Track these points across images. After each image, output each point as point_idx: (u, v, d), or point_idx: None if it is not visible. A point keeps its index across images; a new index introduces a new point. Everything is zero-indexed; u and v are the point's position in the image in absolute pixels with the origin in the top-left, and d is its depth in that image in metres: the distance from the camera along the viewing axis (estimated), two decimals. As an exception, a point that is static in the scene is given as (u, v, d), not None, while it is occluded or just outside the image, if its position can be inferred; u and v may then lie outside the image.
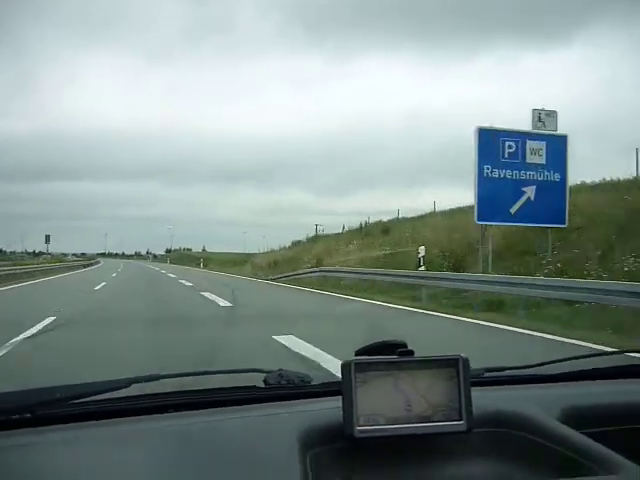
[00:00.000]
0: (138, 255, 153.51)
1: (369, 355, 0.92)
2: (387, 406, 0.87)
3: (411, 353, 0.90)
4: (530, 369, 1.19)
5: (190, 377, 1.15)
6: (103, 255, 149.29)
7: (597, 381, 1.17)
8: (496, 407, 0.97)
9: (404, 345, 0.92)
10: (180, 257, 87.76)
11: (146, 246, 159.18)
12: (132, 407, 1.00)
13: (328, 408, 0.94)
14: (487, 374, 1.14)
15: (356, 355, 0.92)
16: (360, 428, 0.85)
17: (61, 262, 43.91)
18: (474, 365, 0.96)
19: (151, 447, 0.87)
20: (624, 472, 0.78)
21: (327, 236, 33.93)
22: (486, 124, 13.31)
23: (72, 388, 0.99)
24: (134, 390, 1.01)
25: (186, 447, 0.85)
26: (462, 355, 0.90)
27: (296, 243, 38.13)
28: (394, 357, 0.89)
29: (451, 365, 0.89)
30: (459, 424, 0.88)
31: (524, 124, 13.60)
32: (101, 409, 0.98)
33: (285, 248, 38.01)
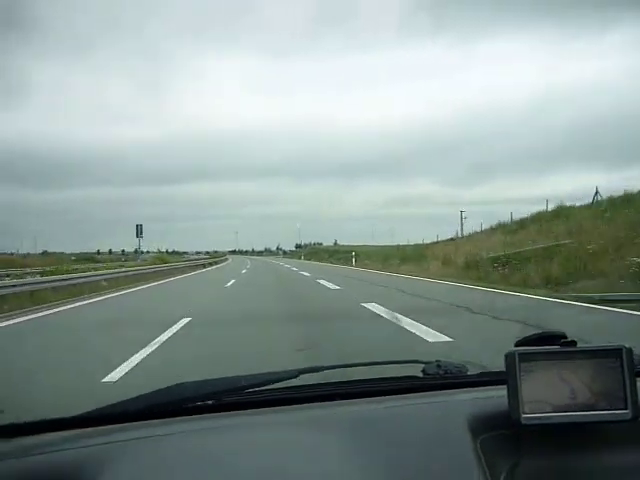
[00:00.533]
0: (268, 251, 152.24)
1: (529, 345, 0.93)
2: (551, 394, 0.88)
3: (574, 343, 0.91)
4: None
5: (351, 368, 1.22)
6: (234, 252, 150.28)
7: None
8: None
9: (564, 336, 0.93)
10: (313, 252, 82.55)
11: (274, 242, 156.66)
12: (302, 395, 1.10)
13: (490, 396, 0.99)
14: None
15: (516, 346, 0.93)
16: (526, 415, 0.87)
17: (165, 263, 33.79)
18: None
19: (324, 431, 0.93)
20: None
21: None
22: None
23: (249, 378, 1.08)
24: (302, 380, 1.09)
25: (359, 432, 0.91)
26: (625, 345, 0.90)
27: (501, 226, 26.70)
28: (557, 347, 0.91)
29: (615, 355, 0.89)
30: (624, 413, 0.87)
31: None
32: (275, 397, 1.08)
33: (482, 232, 26.91)
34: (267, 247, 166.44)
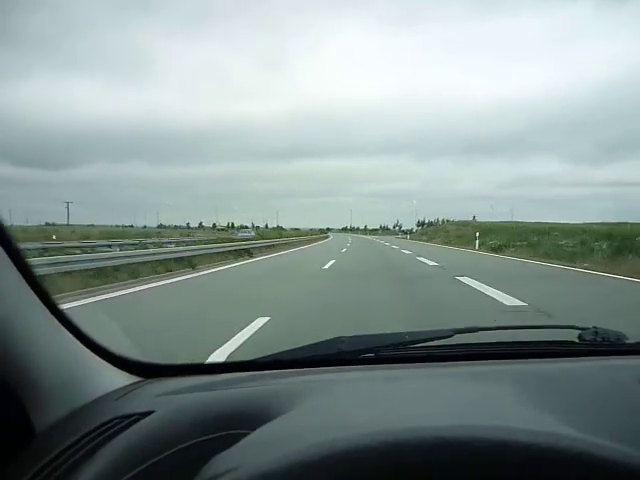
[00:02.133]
0: (384, 229, 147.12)
1: None
2: None
3: None
4: None
5: (506, 330, 1.21)
6: (346, 230, 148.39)
7: None
8: None
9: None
10: (439, 231, 63.57)
11: (392, 220, 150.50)
12: (461, 353, 1.12)
13: None
14: None
15: None
16: None
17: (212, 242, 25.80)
18: None
19: (487, 384, 0.94)
20: None
21: None
22: None
23: (409, 334, 1.12)
24: (456, 339, 1.12)
25: (524, 386, 0.89)
26: None
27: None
28: None
29: None
30: None
31: None
32: (433, 353, 1.12)
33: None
34: (384, 225, 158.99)
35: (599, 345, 1.12)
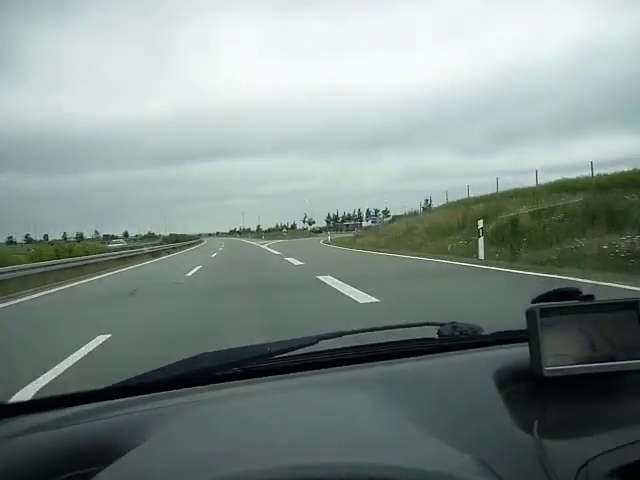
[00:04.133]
0: (283, 229, 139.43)
1: (549, 301, 0.94)
2: (572, 347, 0.91)
3: (591, 297, 0.94)
4: None
5: (368, 332, 1.20)
6: (233, 233, 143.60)
7: None
8: None
9: (580, 291, 0.95)
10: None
11: (290, 220, 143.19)
12: (323, 360, 1.11)
13: (509, 353, 1.02)
14: None
15: (533, 302, 0.95)
16: (548, 368, 0.90)
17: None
18: None
19: (349, 391, 0.95)
20: None
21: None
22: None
23: (272, 345, 1.10)
24: (321, 345, 1.11)
25: (383, 390, 0.92)
26: None
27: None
28: (575, 302, 0.94)
29: (631, 308, 0.92)
30: None
31: None
32: (298, 362, 1.11)
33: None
34: (281, 224, 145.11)
35: (457, 339, 1.15)
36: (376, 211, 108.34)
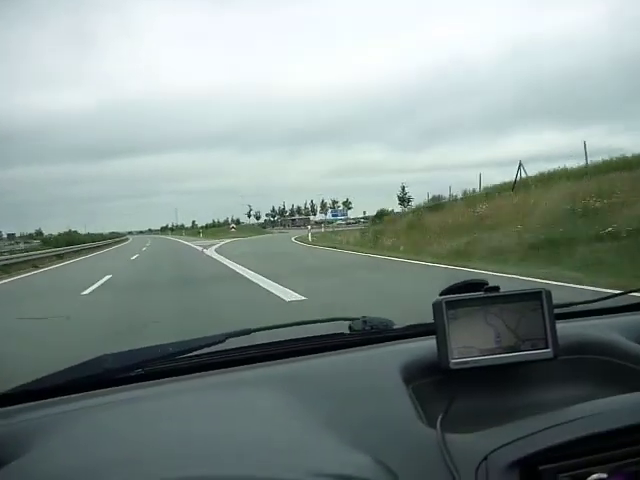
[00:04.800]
0: (223, 225, 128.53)
1: (456, 293, 0.95)
2: (478, 339, 0.92)
3: (497, 289, 0.95)
4: (606, 301, 1.23)
5: (279, 329, 1.17)
6: (165, 230, 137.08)
7: None
8: (580, 336, 1.03)
9: (486, 283, 0.96)
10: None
11: (223, 216, 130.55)
12: (231, 359, 1.07)
13: (418, 347, 1.01)
14: (572, 307, 1.20)
15: (441, 295, 0.95)
16: (455, 360, 0.91)
17: None
18: None
19: (256, 391, 0.92)
20: None
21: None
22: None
23: (176, 345, 1.05)
24: (229, 343, 1.07)
25: (291, 389, 0.91)
26: (545, 289, 0.94)
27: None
28: (481, 293, 0.94)
29: (535, 298, 0.94)
30: (546, 352, 0.92)
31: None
32: (204, 362, 1.06)
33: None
34: (216, 220, 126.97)
35: (368, 334, 1.14)
36: (334, 202, 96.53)
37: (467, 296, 0.94)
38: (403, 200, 44.18)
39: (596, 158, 17.88)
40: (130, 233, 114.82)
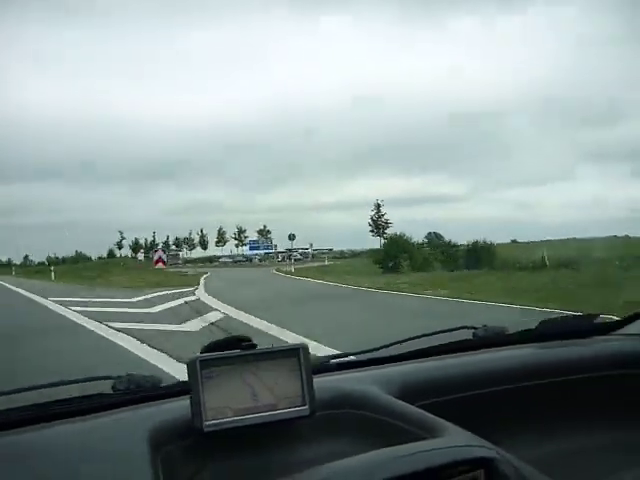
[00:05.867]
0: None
1: (215, 351, 0.93)
2: (234, 399, 0.90)
3: (254, 346, 0.94)
4: (374, 352, 1.26)
5: (36, 391, 1.07)
6: None
7: (435, 357, 1.28)
8: (338, 390, 1.05)
9: (249, 339, 0.95)
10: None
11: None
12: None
13: (177, 407, 0.96)
14: (332, 361, 1.20)
15: (202, 352, 0.93)
16: (208, 422, 0.88)
17: None
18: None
19: None
20: (448, 434, 0.87)
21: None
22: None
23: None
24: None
25: (26, 463, 0.84)
26: (302, 344, 0.95)
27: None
28: (237, 351, 0.93)
29: (293, 355, 0.94)
30: (303, 409, 0.93)
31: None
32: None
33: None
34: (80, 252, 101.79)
35: (131, 393, 1.06)
36: (240, 231, 74.91)
37: (221, 354, 0.92)
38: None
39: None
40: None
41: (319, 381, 0.97)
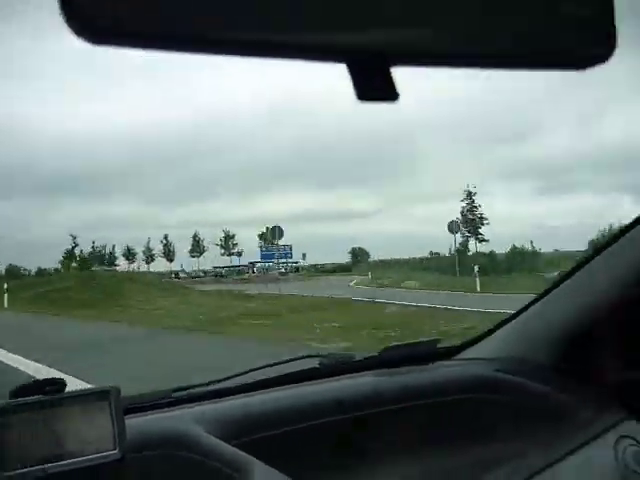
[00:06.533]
0: None
1: (22, 396, 0.89)
2: (37, 447, 0.87)
3: (62, 390, 0.91)
4: (210, 385, 1.24)
5: None
6: None
7: (275, 388, 1.26)
8: (154, 431, 1.02)
9: (60, 381, 0.92)
10: None
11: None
12: None
13: None
14: (147, 398, 1.16)
15: (10, 397, 0.90)
16: (9, 473, 0.84)
17: None
18: None
19: None
20: (257, 474, 0.87)
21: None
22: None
23: None
24: None
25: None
26: (114, 386, 0.93)
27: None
28: (41, 396, 0.89)
29: (103, 398, 0.92)
30: (113, 453, 0.90)
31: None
32: None
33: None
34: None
35: None
36: (227, 236, 64.91)
37: (21, 401, 0.88)
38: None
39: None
40: None
41: (136, 422, 0.95)
